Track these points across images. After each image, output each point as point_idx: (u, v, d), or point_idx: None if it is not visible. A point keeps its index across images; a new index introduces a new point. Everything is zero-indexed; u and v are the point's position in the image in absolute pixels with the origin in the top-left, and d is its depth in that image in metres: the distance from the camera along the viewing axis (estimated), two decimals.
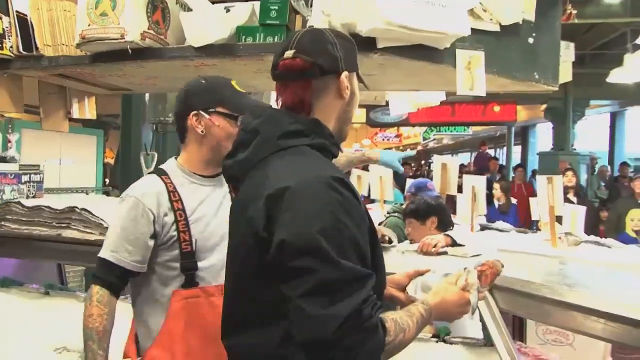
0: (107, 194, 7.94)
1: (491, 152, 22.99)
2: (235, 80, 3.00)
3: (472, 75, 2.48)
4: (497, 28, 2.54)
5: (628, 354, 3.26)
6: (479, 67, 2.48)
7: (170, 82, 3.14)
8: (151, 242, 1.76)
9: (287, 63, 1.35)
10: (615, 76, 5.90)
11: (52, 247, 2.77)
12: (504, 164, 14.58)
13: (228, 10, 2.54)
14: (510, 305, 2.05)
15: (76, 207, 2.65)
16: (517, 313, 2.19)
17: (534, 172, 11.78)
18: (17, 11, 2.92)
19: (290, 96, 1.37)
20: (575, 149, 10.08)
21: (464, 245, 2.67)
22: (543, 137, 15.58)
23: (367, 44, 2.21)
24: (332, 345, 1.12)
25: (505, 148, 17.83)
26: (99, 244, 2.52)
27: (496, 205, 7.37)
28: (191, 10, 2.53)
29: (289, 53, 1.35)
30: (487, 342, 2.19)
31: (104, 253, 1.78)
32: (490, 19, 2.51)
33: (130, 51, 2.49)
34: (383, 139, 24.09)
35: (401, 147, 25.32)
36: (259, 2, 2.47)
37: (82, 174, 8.59)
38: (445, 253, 2.61)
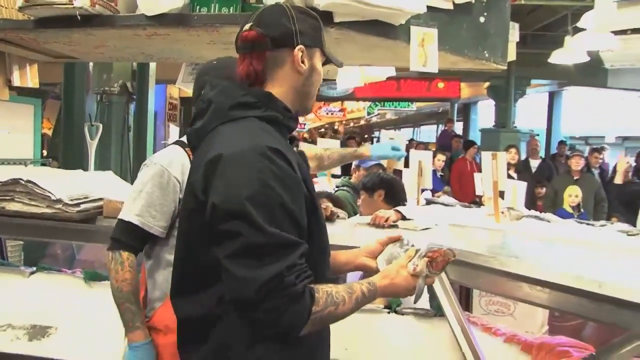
0: (44, 165, 7.66)
1: (433, 127, 23.48)
2: (185, 49, 2.95)
3: (425, 51, 2.52)
4: (450, 6, 2.58)
5: (562, 321, 3.42)
6: (432, 44, 2.52)
7: (118, 51, 3.05)
8: (175, 210, 1.84)
9: (243, 35, 1.40)
10: (557, 57, 6.10)
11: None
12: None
13: None
14: (461, 276, 2.13)
15: (21, 179, 2.55)
16: (467, 284, 2.27)
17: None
18: None
19: (245, 67, 1.41)
20: (516, 127, 10.42)
21: (412, 219, 2.74)
22: (484, 114, 15.99)
23: (324, 18, 2.20)
24: (254, 306, 1.19)
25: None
26: (46, 217, 2.50)
27: (437, 176, 7.58)
28: None
29: (247, 26, 1.40)
30: (437, 312, 2.27)
31: (128, 216, 1.85)
32: None
33: (79, 17, 2.40)
34: (327, 113, 24.09)
35: (344, 122, 25.41)
36: None
37: (18, 145, 8.23)
38: (396, 226, 2.67)
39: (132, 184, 2.06)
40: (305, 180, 1.34)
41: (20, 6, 2.47)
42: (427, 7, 2.44)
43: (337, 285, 1.33)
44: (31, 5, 2.43)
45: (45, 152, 9.83)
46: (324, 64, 1.53)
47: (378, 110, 23.13)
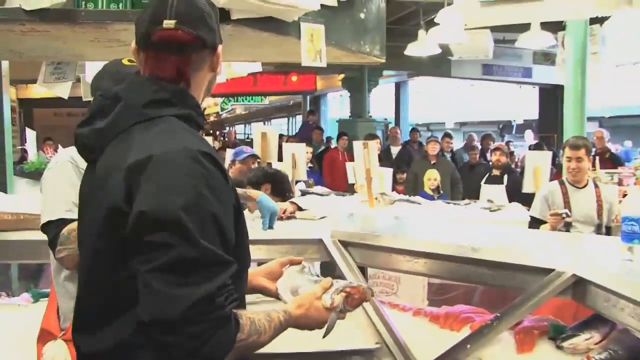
0: None
1: (284, 120, 23.81)
2: (64, 47, 2.79)
3: (314, 47, 2.62)
4: (334, 3, 2.70)
5: (440, 295, 3.73)
6: (320, 40, 2.63)
7: None
8: None
9: (168, 34, 1.22)
10: (411, 49, 6.52)
11: None
12: None
13: None
14: (364, 258, 2.27)
15: None
16: (371, 265, 2.42)
17: (329, 139, 12.58)
18: None
19: (167, 69, 1.25)
20: (371, 116, 10.95)
21: (308, 210, 2.84)
22: (333, 105, 16.63)
23: (221, 15, 2.20)
24: (175, 329, 1.05)
25: (298, 117, 18.59)
26: None
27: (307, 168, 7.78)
28: None
29: (169, 23, 1.22)
30: None
31: (55, 215, 1.76)
32: None
33: None
34: None
35: None
36: None
37: None
38: (294, 217, 2.75)
39: None
40: (232, 186, 1.23)
41: None
42: None
43: (256, 312, 1.23)
44: None
45: None
46: None
47: (232, 105, 23.01)
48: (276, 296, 1.47)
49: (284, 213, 2.76)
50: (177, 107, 1.23)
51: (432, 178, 5.91)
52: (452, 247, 2.07)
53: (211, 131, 16.05)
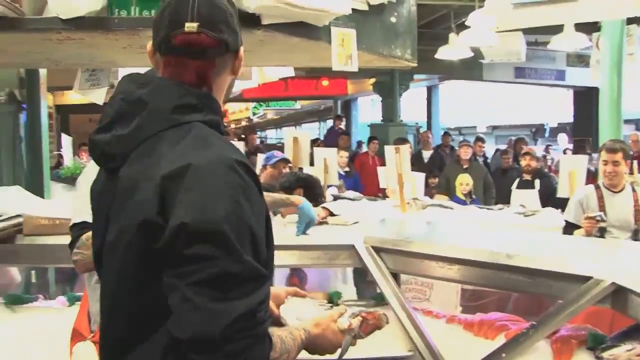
0: None
1: (315, 125, 23.83)
2: (98, 54, 2.83)
3: (345, 51, 2.60)
4: (365, 7, 2.68)
5: (473, 301, 3.68)
6: (351, 44, 2.61)
7: (19, 57, 2.87)
8: None
9: (190, 38, 1.16)
10: (443, 53, 6.49)
11: None
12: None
13: None
14: (398, 264, 2.24)
15: None
16: (404, 271, 2.39)
17: (360, 143, 12.54)
18: None
19: (190, 75, 1.19)
20: (402, 120, 10.90)
21: (340, 215, 2.82)
22: (364, 110, 16.57)
23: (252, 20, 2.23)
24: (214, 347, 0.99)
25: (329, 121, 18.56)
26: None
27: (342, 172, 7.78)
28: None
29: (191, 26, 1.15)
30: (379, 301, 2.37)
31: (80, 218, 1.77)
32: None
33: None
34: None
35: (226, 123, 25.07)
36: None
37: None
38: (326, 223, 2.74)
39: None
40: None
41: None
42: None
43: (281, 330, 1.21)
44: None
45: None
46: None
47: (263, 110, 23.14)
48: (278, 320, 1.43)
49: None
50: (204, 113, 1.18)
51: (464, 183, 5.84)
52: (486, 253, 2.02)
53: (242, 136, 16.10)
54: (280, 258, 2.38)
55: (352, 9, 2.61)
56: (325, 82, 13.89)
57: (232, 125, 26.10)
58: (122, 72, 4.56)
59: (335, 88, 13.74)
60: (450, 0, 6.95)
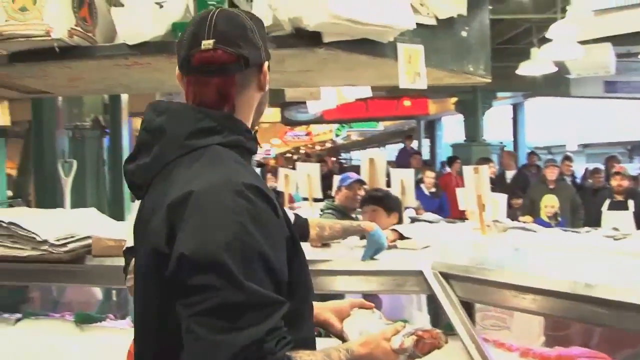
0: (12, 206, 7.43)
1: (400, 146, 23.62)
2: (166, 78, 2.88)
3: (413, 68, 2.50)
4: (433, 22, 2.57)
5: (556, 331, 3.42)
6: (419, 61, 2.51)
7: (94, 83, 2.96)
8: None
9: (206, 56, 1.16)
10: (524, 69, 6.23)
11: None
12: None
13: (161, 6, 2.42)
14: (468, 293, 2.09)
15: (2, 221, 2.43)
16: (475, 300, 2.23)
17: (443, 164, 12.23)
18: None
19: (210, 93, 1.19)
20: (485, 140, 10.56)
21: (410, 238, 2.69)
22: (449, 130, 16.20)
23: (313, 38, 2.18)
24: None
25: (414, 142, 18.34)
26: (31, 260, 2.38)
27: (427, 193, 7.64)
28: (122, 5, 2.39)
29: (207, 43, 1.16)
30: (447, 331, 2.21)
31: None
32: (427, 13, 2.55)
33: (58, 50, 2.32)
34: (293, 138, 24.05)
35: (310, 145, 25.41)
36: None
37: None
38: (395, 247, 2.62)
39: None
40: (284, 216, 1.15)
41: None
42: None
43: (314, 353, 1.14)
44: (5, 39, 2.33)
45: (10, 193, 9.57)
46: None
47: (346, 131, 23.25)
48: (340, 335, 1.39)
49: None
50: (223, 134, 1.17)
51: (549, 204, 5.53)
52: (563, 282, 1.82)
53: (325, 158, 16.15)
54: (343, 283, 2.32)
55: (420, 24, 2.52)
56: (407, 102, 13.75)
57: (317, 147, 26.42)
58: None
59: (417, 108, 13.56)
60: (531, 13, 6.68)
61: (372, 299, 3.42)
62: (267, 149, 25.46)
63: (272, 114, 14.80)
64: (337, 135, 23.35)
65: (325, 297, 3.34)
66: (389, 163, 11.05)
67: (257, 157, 21.52)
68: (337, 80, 3.22)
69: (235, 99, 1.21)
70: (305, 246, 2.30)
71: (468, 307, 2.72)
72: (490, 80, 2.87)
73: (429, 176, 7.84)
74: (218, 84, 1.19)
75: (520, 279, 1.95)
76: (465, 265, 2.14)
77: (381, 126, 20.36)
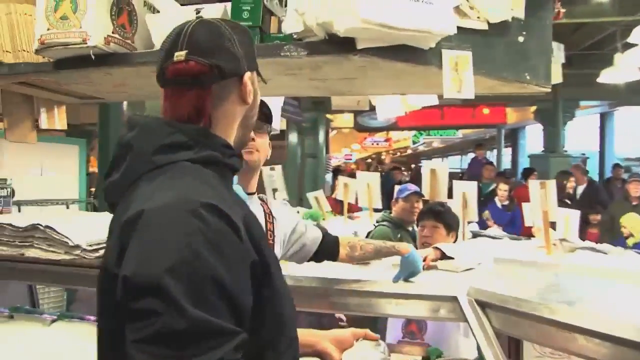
0: (93, 205, 7.72)
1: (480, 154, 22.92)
2: None
3: (459, 77, 2.32)
4: (484, 26, 2.38)
5: None
6: (466, 68, 2.32)
7: (139, 89, 2.97)
8: None
9: (178, 67, 1.13)
10: (606, 76, 5.79)
11: (18, 267, 2.61)
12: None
13: (198, 12, 2.38)
14: (505, 325, 1.89)
15: (39, 225, 2.47)
16: (512, 334, 2.02)
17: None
18: None
19: (185, 106, 1.14)
20: (566, 151, 9.99)
21: (453, 258, 2.51)
22: (533, 139, 15.51)
23: (346, 45, 2.06)
24: None
25: (495, 151, 17.74)
26: (64, 264, 2.40)
27: (499, 206, 7.35)
28: (158, 11, 2.37)
29: (180, 54, 1.13)
30: None
31: None
32: (478, 17, 2.36)
33: (93, 57, 2.32)
34: (372, 144, 23.99)
35: (391, 152, 25.22)
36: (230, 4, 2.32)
37: (64, 185, 8.38)
38: (435, 267, 2.45)
39: None
40: (254, 239, 1.04)
41: (36, 48, 2.41)
42: (459, 28, 2.26)
43: None
44: (46, 47, 2.36)
45: (94, 190, 9.99)
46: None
47: (423, 139, 22.91)
48: None
49: (424, 261, 2.47)
50: (194, 150, 1.10)
51: (628, 226, 5.09)
52: (626, 326, 1.54)
53: (401, 167, 15.90)
54: (373, 306, 2.17)
55: (469, 29, 2.35)
56: (486, 110, 13.33)
57: (398, 154, 26.19)
58: None
59: (495, 116, 13.11)
60: (617, 16, 6.22)
61: (417, 321, 3.26)
62: (348, 154, 25.51)
63: (347, 120, 14.77)
64: (414, 143, 23.06)
65: (355, 320, 3.21)
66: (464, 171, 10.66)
67: (337, 162, 21.68)
68: (383, 89, 3.08)
69: (211, 112, 1.15)
70: (336, 264, 2.19)
71: (517, 343, 2.50)
72: (549, 90, 2.63)
73: (502, 188, 7.50)
74: (192, 96, 1.14)
75: (566, 316, 1.73)
76: (502, 294, 1.94)
77: (460, 134, 19.90)
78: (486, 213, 7.22)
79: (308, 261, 2.13)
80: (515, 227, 6.73)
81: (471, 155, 23.73)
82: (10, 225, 2.55)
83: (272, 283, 1.08)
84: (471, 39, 2.34)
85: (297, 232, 2.06)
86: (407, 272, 2.16)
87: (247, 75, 1.18)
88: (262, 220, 1.89)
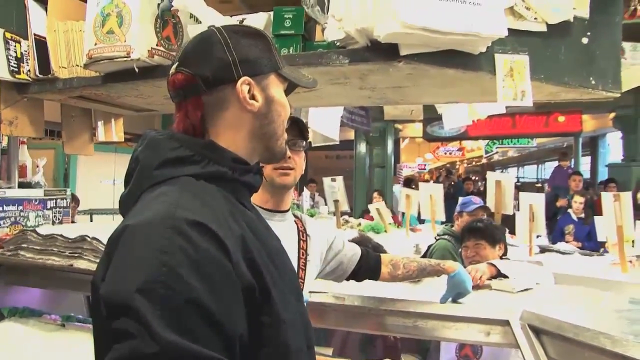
0: None
1: (555, 164, 21.93)
2: None
3: (515, 83, 2.16)
4: (543, 28, 2.21)
5: None
6: (523, 74, 2.16)
7: None
8: None
9: (170, 80, 1.12)
10: None
11: (69, 277, 2.66)
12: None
13: (241, 22, 2.34)
14: (561, 355, 1.72)
15: (87, 236, 2.50)
16: None
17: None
18: (35, 34, 2.84)
19: (184, 119, 1.11)
20: None
21: (507, 277, 2.34)
22: (614, 147, 14.68)
23: (389, 51, 1.95)
24: None
25: (572, 160, 16.95)
26: None
27: (575, 219, 7.00)
28: (199, 22, 2.35)
29: (173, 68, 1.12)
30: None
31: None
32: (535, 18, 2.19)
33: (137, 69, 2.32)
34: (445, 153, 23.51)
35: (465, 161, 24.64)
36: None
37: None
38: (489, 287, 2.28)
39: None
40: (252, 261, 0.97)
41: (85, 63, 2.45)
42: (515, 30, 2.11)
43: None
44: (94, 61, 2.39)
45: None
46: (289, 89, 1.23)
47: (497, 148, 22.26)
48: None
49: (479, 279, 2.31)
50: (201, 164, 1.05)
51: None
52: None
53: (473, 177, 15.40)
54: (419, 328, 2.04)
55: (525, 31, 2.18)
56: (561, 118, 12.73)
57: (473, 163, 25.57)
58: (312, 111, 4.59)
59: (570, 124, 12.47)
60: None
61: (471, 345, 3.08)
62: (421, 163, 25.17)
63: (417, 130, 14.53)
64: (486, 152, 22.43)
65: (405, 338, 3.04)
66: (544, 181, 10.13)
67: (410, 171, 21.40)
68: (436, 98, 2.93)
69: (209, 123, 1.10)
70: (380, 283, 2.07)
71: None
72: (619, 95, 2.41)
73: (578, 200, 7.11)
74: (187, 108, 1.10)
75: (631, 349, 1.54)
76: (559, 320, 1.76)
77: (534, 143, 19.17)
78: (570, 227, 6.91)
79: (347, 280, 2.02)
80: (593, 241, 6.36)
81: (549, 164, 22.84)
82: (61, 236, 2.59)
83: (274, 310, 0.98)
84: (528, 41, 2.18)
85: (334, 250, 1.95)
86: (454, 292, 2.02)
87: (244, 80, 1.10)
88: (294, 239, 1.80)
